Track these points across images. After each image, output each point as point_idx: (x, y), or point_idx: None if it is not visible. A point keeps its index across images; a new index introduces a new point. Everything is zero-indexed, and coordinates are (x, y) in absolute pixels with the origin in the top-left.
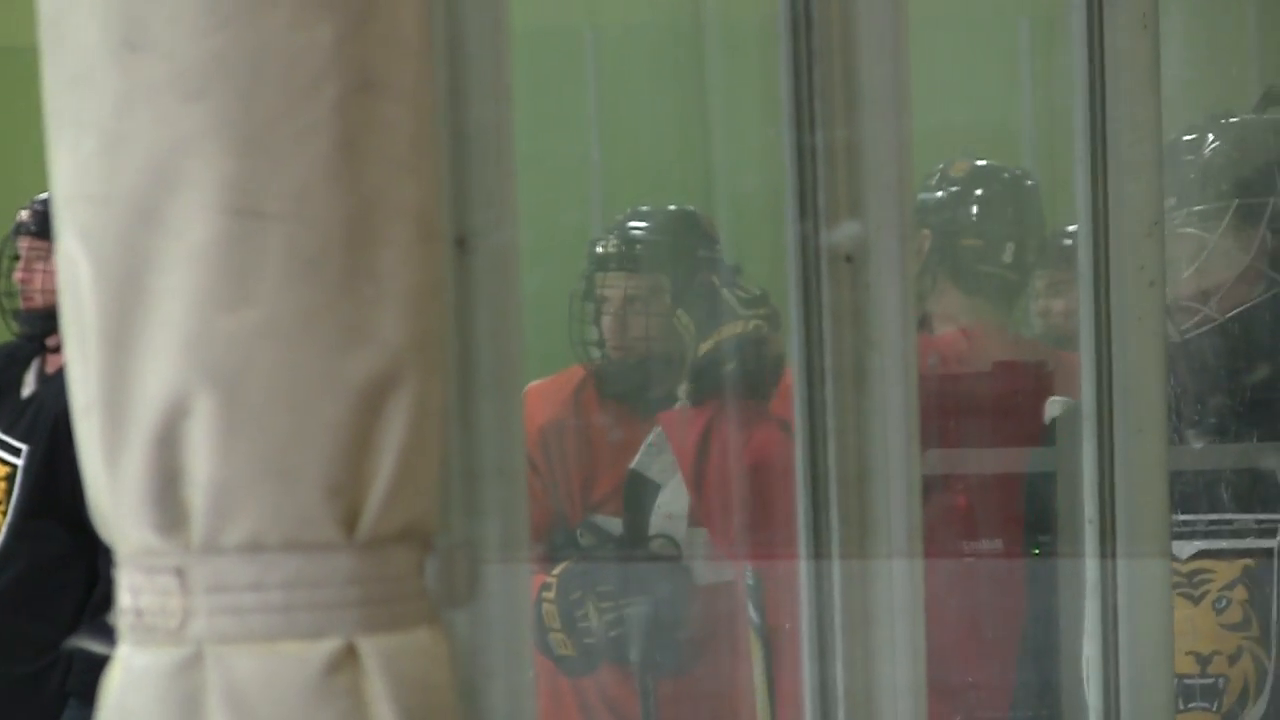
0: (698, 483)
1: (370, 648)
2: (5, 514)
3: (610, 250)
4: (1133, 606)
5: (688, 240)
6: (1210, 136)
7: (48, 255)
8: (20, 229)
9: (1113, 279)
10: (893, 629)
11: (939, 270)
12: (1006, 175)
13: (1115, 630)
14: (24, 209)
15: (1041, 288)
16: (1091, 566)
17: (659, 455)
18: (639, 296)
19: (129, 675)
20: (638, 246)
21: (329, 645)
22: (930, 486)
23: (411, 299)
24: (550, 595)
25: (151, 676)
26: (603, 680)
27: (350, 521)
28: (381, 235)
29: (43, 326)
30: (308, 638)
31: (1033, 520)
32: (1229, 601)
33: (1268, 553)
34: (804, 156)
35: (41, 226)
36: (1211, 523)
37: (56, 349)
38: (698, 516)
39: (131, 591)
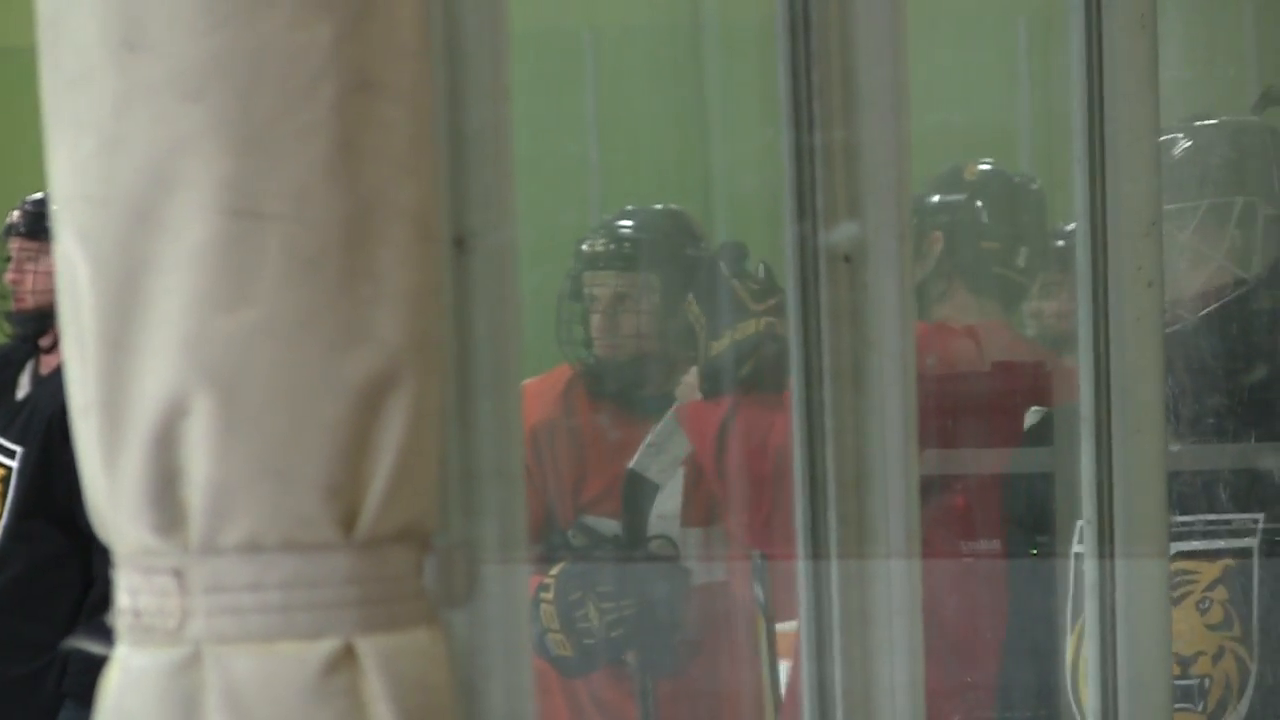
0: (719, 473)
1: (368, 648)
2: (1, 516)
3: (598, 249)
4: (1131, 607)
5: (675, 239)
6: (1181, 137)
7: (38, 256)
8: (10, 230)
9: (1111, 279)
10: (891, 629)
11: (952, 273)
12: (1016, 180)
13: (1113, 630)
14: (15, 210)
15: (1035, 289)
16: (1090, 567)
17: (658, 455)
18: (628, 294)
19: (127, 675)
20: (626, 245)
21: (327, 645)
22: (928, 487)
23: (410, 299)
24: (549, 596)
25: (150, 677)
26: (594, 681)
27: (348, 522)
28: (380, 235)
29: (35, 327)
30: (306, 638)
31: (1019, 520)
32: (1211, 602)
33: (1247, 552)
34: (802, 156)
35: (31, 227)
36: (1189, 523)
37: (50, 349)
38: (690, 515)
39: (130, 592)
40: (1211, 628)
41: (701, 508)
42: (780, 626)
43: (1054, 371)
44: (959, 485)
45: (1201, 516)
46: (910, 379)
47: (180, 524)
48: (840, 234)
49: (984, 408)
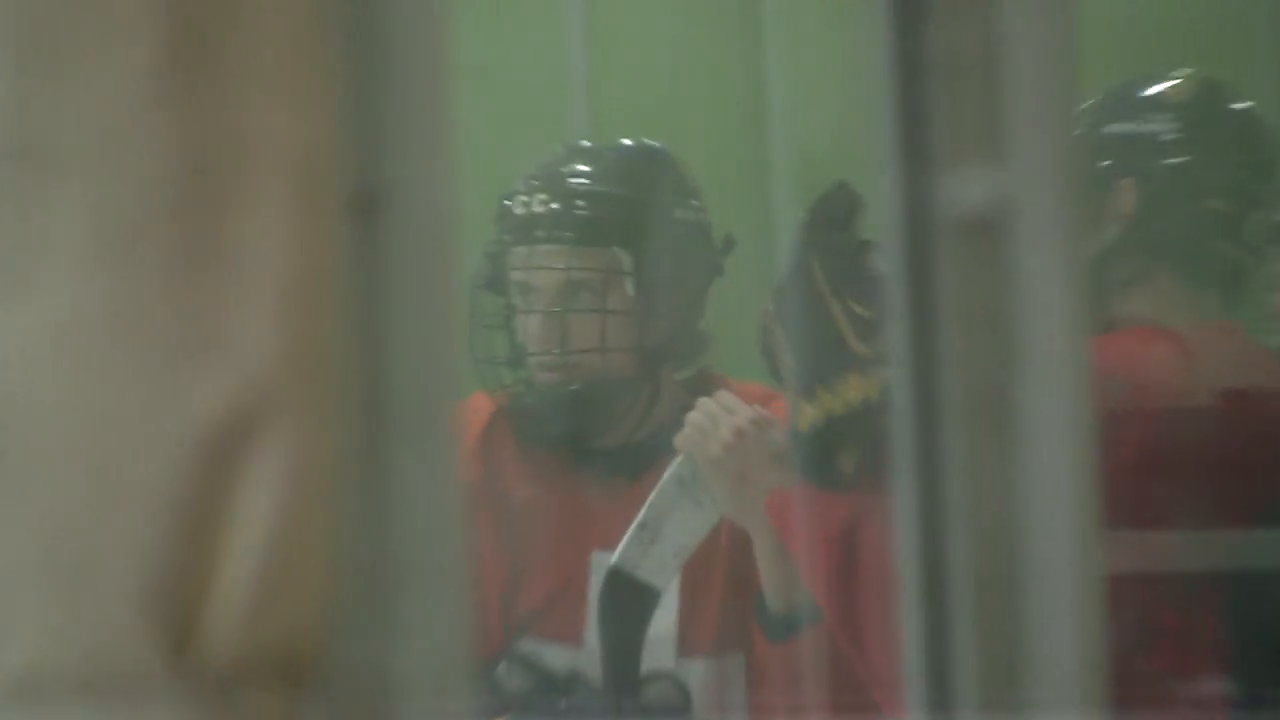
0: (845, 594)
1: None
2: None
3: (537, 209)
4: None
5: (654, 192)
6: None
7: None
8: None
9: None
10: None
11: (1150, 247)
12: (1240, 103)
13: None
14: None
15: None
16: None
17: (653, 544)
18: (587, 284)
19: None
20: (581, 204)
21: None
22: (1117, 592)
23: (284, 290)
24: None
25: None
26: None
27: (180, 644)
28: (236, 192)
29: None
30: None
31: (1257, 653)
32: None
33: None
34: (909, 68)
35: None
36: None
37: None
38: (692, 637)
39: None
40: None
41: (708, 624)
42: None
43: None
44: (1166, 592)
45: None
46: (1084, 417)
47: None
48: (969, 188)
49: (1204, 463)
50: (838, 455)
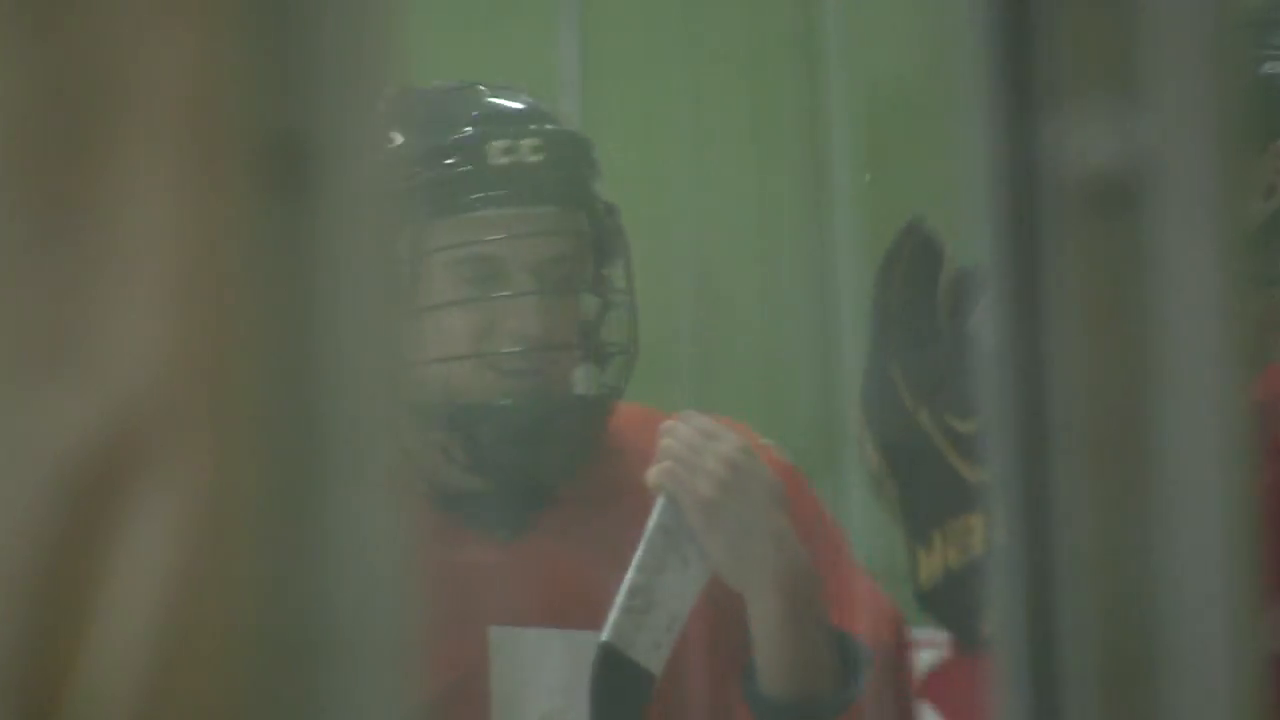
0: None
1: None
2: None
3: (530, 160)
4: None
5: (584, 182)
6: None
7: None
8: None
9: None
10: None
11: None
12: None
13: None
14: None
15: None
16: None
17: (646, 615)
18: (573, 258)
19: None
20: (541, 158)
21: None
22: None
23: (174, 273)
24: None
25: None
26: None
27: None
28: (108, 145)
29: None
30: None
31: None
32: None
33: None
34: None
35: None
36: None
37: None
38: None
39: None
40: None
41: (687, 710)
42: None
43: None
44: None
45: None
46: (1242, 448)
47: None
48: (1095, 142)
49: None
50: (970, 614)
